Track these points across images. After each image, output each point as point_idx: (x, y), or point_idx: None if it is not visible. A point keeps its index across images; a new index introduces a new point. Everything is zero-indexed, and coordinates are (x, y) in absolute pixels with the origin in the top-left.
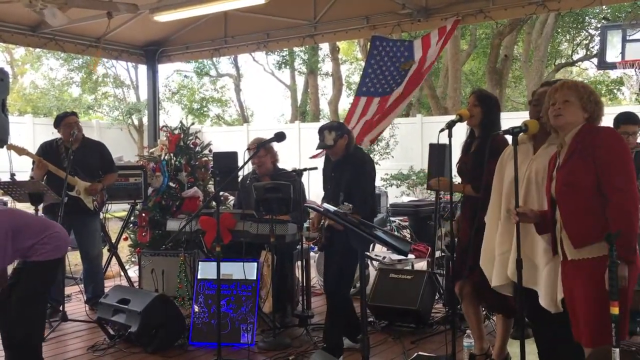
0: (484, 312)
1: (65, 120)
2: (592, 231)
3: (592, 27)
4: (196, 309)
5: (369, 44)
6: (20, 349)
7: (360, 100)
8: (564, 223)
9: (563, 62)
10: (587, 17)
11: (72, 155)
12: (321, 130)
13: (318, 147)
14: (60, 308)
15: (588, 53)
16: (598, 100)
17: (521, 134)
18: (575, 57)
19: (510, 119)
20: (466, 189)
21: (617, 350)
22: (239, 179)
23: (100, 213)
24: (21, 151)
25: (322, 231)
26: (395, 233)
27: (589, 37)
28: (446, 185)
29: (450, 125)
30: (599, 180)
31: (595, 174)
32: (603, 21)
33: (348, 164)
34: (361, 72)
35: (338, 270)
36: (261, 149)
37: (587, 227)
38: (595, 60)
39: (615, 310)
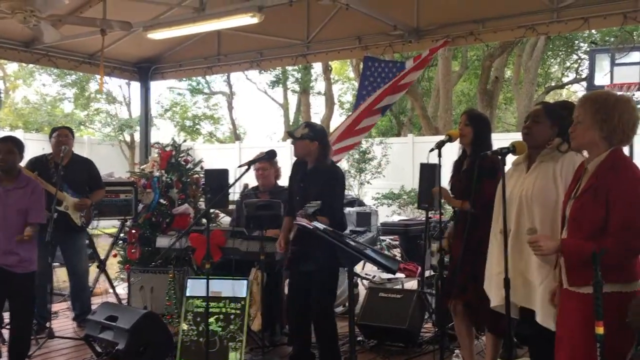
0: (475, 331)
1: (58, 132)
2: (588, 274)
3: (582, 50)
4: (184, 326)
5: (361, 64)
6: None
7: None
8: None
9: (553, 84)
10: (576, 42)
11: (62, 171)
12: (303, 123)
13: (287, 133)
14: (47, 325)
15: (578, 76)
16: (622, 113)
17: (517, 156)
18: (566, 80)
19: (501, 140)
20: (464, 205)
21: None
22: (237, 197)
23: (87, 229)
24: None
25: (288, 246)
26: (385, 252)
27: (579, 61)
28: (447, 196)
29: (439, 145)
30: (607, 218)
31: (604, 216)
32: (592, 45)
33: (319, 175)
34: (354, 93)
35: (323, 289)
36: (266, 162)
37: (584, 269)
38: (585, 83)
39: (600, 330)
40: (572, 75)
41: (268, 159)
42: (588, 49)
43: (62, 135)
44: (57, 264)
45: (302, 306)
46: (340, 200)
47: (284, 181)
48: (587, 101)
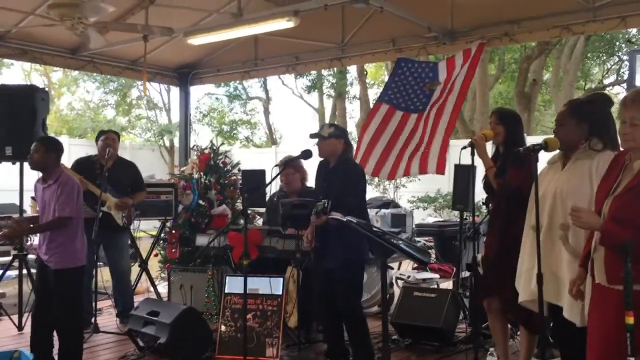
0: (510, 330)
1: (105, 136)
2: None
3: (623, 51)
4: (223, 323)
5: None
6: None
7: (382, 107)
8: (605, 253)
9: (593, 86)
10: (617, 42)
11: (107, 172)
12: (322, 125)
13: (311, 135)
14: (92, 320)
15: (619, 77)
16: None
17: (550, 152)
18: (607, 81)
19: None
20: (491, 170)
21: (633, 359)
22: (267, 197)
23: (130, 230)
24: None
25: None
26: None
27: (620, 62)
28: (482, 150)
29: (472, 144)
30: None
31: None
32: (628, 43)
33: (338, 173)
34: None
35: (348, 286)
36: (290, 167)
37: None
38: (625, 85)
39: (630, 320)
40: (613, 77)
41: (304, 157)
42: (628, 50)
43: (109, 138)
44: (100, 263)
45: (330, 303)
46: (356, 194)
47: (311, 182)
48: None
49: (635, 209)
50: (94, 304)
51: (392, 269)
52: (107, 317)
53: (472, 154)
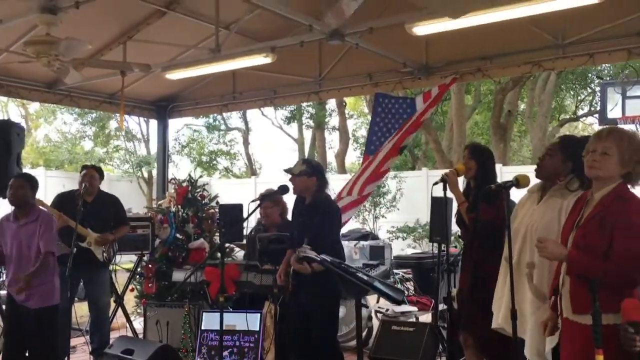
0: None
1: (85, 171)
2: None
3: (595, 83)
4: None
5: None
6: None
7: (370, 159)
8: (570, 284)
9: (567, 117)
10: (589, 75)
11: (88, 207)
12: (300, 159)
13: (285, 170)
14: (66, 359)
15: (592, 109)
16: None
17: (520, 189)
18: (580, 112)
19: (516, 173)
20: (463, 205)
21: None
22: (248, 232)
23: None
24: (38, 202)
25: (290, 279)
26: (398, 285)
27: (593, 93)
28: (454, 184)
29: (444, 179)
30: (611, 245)
31: (609, 243)
32: (599, 79)
33: (316, 210)
34: (368, 128)
35: (324, 322)
36: (269, 200)
37: (589, 297)
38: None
39: (600, 358)
40: (586, 108)
41: (281, 193)
42: (599, 82)
43: (87, 175)
44: (76, 299)
45: (304, 338)
46: (335, 232)
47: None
48: (622, 137)
49: (597, 236)
50: (68, 341)
51: (367, 307)
52: (80, 355)
53: (444, 189)
